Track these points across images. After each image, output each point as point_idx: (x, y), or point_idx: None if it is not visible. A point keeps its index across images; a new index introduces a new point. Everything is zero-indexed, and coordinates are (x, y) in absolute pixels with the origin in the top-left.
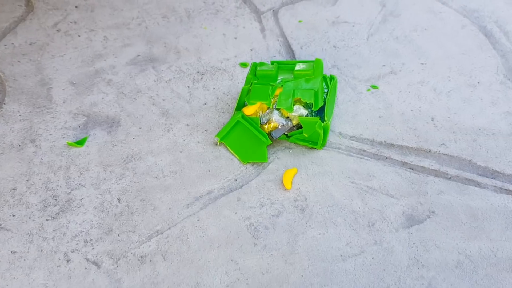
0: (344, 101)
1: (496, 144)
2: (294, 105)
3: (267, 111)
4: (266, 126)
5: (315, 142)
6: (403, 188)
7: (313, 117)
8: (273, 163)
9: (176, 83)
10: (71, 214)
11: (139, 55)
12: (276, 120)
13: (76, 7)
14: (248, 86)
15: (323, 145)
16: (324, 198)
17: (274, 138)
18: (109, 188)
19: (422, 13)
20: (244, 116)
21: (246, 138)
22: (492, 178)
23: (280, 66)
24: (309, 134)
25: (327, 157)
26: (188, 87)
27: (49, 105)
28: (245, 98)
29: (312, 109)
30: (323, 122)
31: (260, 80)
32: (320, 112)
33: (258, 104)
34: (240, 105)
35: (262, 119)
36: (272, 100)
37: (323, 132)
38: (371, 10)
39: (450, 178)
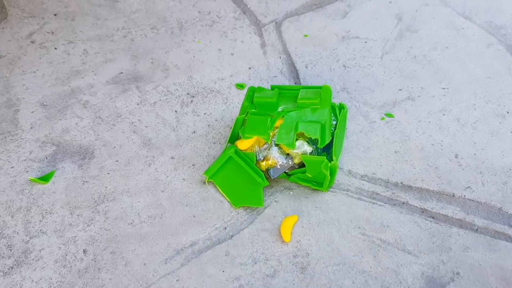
0: (355, 131)
1: None
2: (296, 140)
3: (265, 146)
4: (263, 164)
5: (320, 183)
6: (422, 243)
7: (318, 156)
8: (270, 207)
9: (162, 107)
10: (27, 269)
11: (121, 73)
12: (275, 157)
13: (55, 15)
14: (244, 116)
15: (329, 186)
16: (329, 254)
17: (272, 177)
18: (75, 237)
19: (443, 29)
20: (237, 151)
21: (239, 177)
22: None
23: (282, 92)
24: (313, 175)
25: (334, 201)
26: (176, 111)
27: (14, 131)
28: (239, 130)
29: (317, 145)
30: (330, 162)
31: (257, 109)
32: (327, 149)
33: (255, 138)
34: (234, 138)
35: (259, 155)
36: (270, 134)
37: (330, 173)
38: (386, 24)
39: (477, 230)
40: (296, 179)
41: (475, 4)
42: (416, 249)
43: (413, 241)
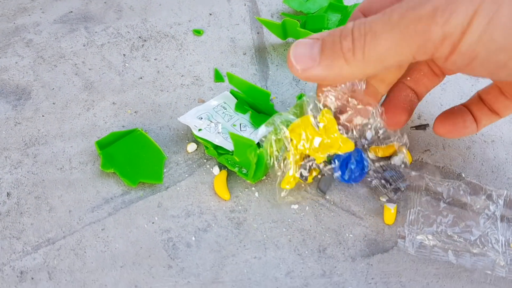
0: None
1: (494, 155)
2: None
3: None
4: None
5: (246, 172)
6: (369, 204)
7: (247, 138)
8: (213, 159)
9: (110, 50)
10: None
11: (71, 12)
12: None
13: None
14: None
15: (257, 178)
16: (268, 211)
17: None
18: (0, 179)
19: None
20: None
21: (139, 151)
22: (485, 200)
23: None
24: (240, 159)
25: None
26: (124, 55)
27: None
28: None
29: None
30: (259, 148)
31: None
32: None
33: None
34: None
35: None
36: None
37: (257, 162)
38: None
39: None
40: (224, 160)
41: None
42: (362, 210)
43: (359, 202)
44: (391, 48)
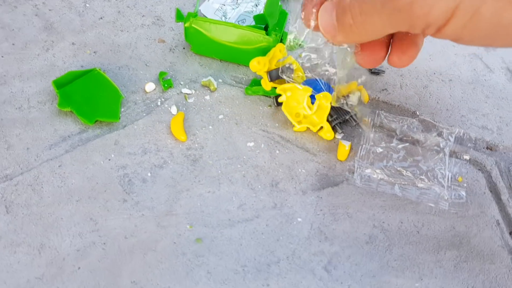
0: None
1: (450, 93)
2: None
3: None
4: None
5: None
6: (323, 142)
7: None
8: (171, 99)
9: None
10: None
11: None
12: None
13: None
14: None
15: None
16: (224, 148)
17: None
18: None
19: None
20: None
21: (96, 90)
22: (435, 136)
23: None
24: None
25: (240, 97)
26: None
27: None
28: None
29: None
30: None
31: None
32: None
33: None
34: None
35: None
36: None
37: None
38: None
39: (384, 133)
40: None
41: None
42: (316, 147)
43: (314, 140)
44: (385, 26)
